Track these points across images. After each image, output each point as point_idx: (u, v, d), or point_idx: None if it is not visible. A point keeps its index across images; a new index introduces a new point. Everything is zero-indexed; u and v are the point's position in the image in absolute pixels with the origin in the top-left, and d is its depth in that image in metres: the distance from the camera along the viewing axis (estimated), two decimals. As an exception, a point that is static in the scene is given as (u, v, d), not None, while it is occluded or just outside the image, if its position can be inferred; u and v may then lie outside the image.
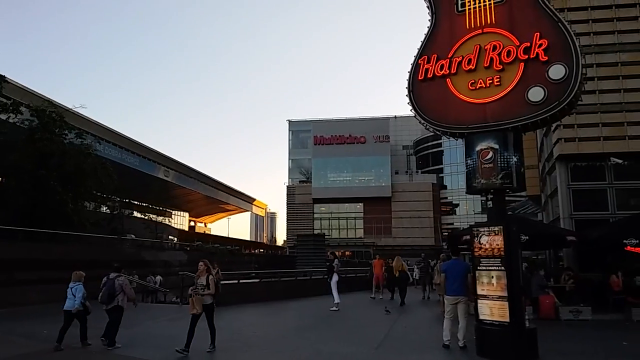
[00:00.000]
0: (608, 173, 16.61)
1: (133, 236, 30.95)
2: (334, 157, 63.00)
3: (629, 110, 16.17)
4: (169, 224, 59.41)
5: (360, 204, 64.02)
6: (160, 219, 44.17)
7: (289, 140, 72.55)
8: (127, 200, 36.68)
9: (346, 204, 64.64)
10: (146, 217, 41.58)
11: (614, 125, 16.22)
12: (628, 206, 16.08)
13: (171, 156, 59.83)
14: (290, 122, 72.33)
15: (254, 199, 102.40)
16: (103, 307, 8.92)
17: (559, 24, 8.25)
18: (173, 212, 73.12)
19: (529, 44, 8.36)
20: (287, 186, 68.18)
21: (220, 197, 78.92)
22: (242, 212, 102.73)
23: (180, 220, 78.11)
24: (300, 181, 68.46)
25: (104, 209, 31.94)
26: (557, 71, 8.08)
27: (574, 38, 8.09)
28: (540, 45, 8.25)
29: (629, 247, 12.27)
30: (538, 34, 8.32)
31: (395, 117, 66.83)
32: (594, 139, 16.36)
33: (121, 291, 8.95)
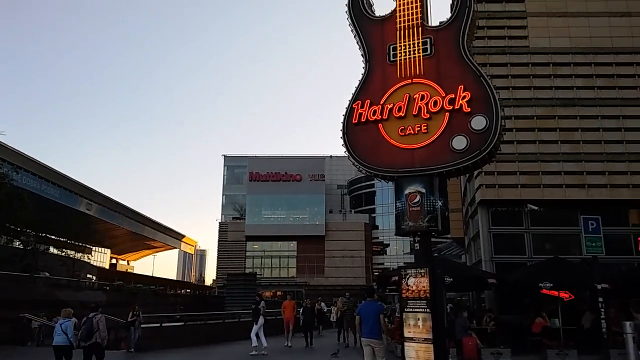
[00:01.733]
0: (525, 219, 17.71)
1: (47, 274, 28.59)
2: (269, 194, 62.60)
3: (544, 161, 17.48)
4: (89, 261, 55.62)
5: (294, 242, 63.61)
6: (79, 255, 41.31)
7: (224, 175, 71.44)
8: (43, 235, 34.06)
9: (280, 242, 63.95)
10: (64, 254, 38.71)
11: (531, 174, 17.44)
12: (543, 250, 17.15)
13: (95, 189, 56.77)
14: (225, 157, 71.45)
15: (184, 236, 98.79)
16: (81, 344, 9.50)
17: (481, 78, 8.86)
18: (93, 249, 68.59)
19: (453, 96, 8.88)
20: (220, 223, 66.54)
21: (146, 232, 75.38)
22: (169, 249, 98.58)
23: (101, 257, 73.39)
24: (233, 218, 67.09)
25: (17, 243, 29.42)
26: (478, 122, 8.61)
27: (494, 92, 8.70)
28: (464, 97, 8.79)
29: (544, 290, 12.98)
30: (462, 86, 8.88)
31: (331, 156, 68.03)
32: (512, 186, 17.45)
33: (99, 329, 9.59)
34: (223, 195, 70.90)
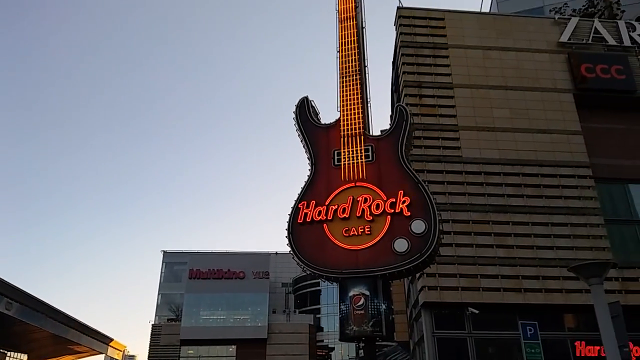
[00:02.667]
0: (467, 322, 17.77)
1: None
2: (209, 292, 59.78)
3: (481, 264, 18.03)
4: (0, 368, 49.35)
5: (233, 346, 59.80)
6: (-12, 361, 36.72)
7: (162, 272, 68.12)
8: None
9: (217, 347, 59.97)
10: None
11: (470, 277, 17.83)
12: (486, 356, 17.04)
13: (17, 286, 52.09)
14: (165, 253, 68.72)
15: (112, 339, 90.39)
16: None
17: (419, 184, 9.41)
18: (7, 354, 61.25)
19: (394, 200, 9.31)
20: (153, 325, 61.95)
21: (70, 335, 68.11)
22: (95, 354, 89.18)
23: (15, 363, 65.36)
24: (168, 319, 62.83)
25: None
26: (418, 226, 8.99)
27: (432, 198, 9.21)
28: (404, 201, 9.24)
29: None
30: (402, 191, 9.36)
31: (277, 253, 66.97)
32: (453, 289, 17.67)
33: None
34: (159, 294, 67.04)
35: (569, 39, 17.72)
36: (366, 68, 11.83)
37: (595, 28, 17.79)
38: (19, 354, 66.38)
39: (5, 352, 59.58)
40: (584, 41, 17.72)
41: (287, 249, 10.12)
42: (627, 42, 17.48)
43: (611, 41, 17.50)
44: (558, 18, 18.85)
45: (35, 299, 56.94)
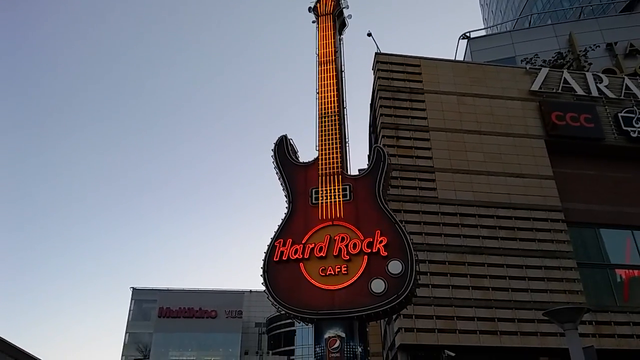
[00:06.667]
0: (444, 365, 17.49)
1: None
2: (179, 332, 57.86)
3: (458, 306, 17.95)
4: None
5: (202, 389, 57.53)
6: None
7: (130, 310, 65.59)
8: None
9: (186, 389, 57.55)
10: None
11: (446, 318, 17.70)
12: (463, 401, 16.71)
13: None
14: (134, 289, 66.49)
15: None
16: None
17: (396, 225, 9.44)
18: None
19: (371, 239, 9.30)
20: (118, 366, 59.36)
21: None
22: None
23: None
24: (135, 359, 60.31)
25: None
26: (395, 266, 8.96)
27: (408, 238, 9.23)
28: (381, 241, 9.24)
29: None
30: (379, 231, 9.37)
31: (251, 291, 65.55)
32: (429, 331, 17.47)
33: None
34: (126, 333, 64.37)
35: (540, 87, 18.44)
36: (345, 109, 12.06)
37: (565, 78, 18.56)
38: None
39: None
40: (554, 90, 18.44)
41: (262, 287, 9.92)
42: (594, 93, 18.26)
43: (580, 91, 18.27)
44: (529, 68, 19.63)
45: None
